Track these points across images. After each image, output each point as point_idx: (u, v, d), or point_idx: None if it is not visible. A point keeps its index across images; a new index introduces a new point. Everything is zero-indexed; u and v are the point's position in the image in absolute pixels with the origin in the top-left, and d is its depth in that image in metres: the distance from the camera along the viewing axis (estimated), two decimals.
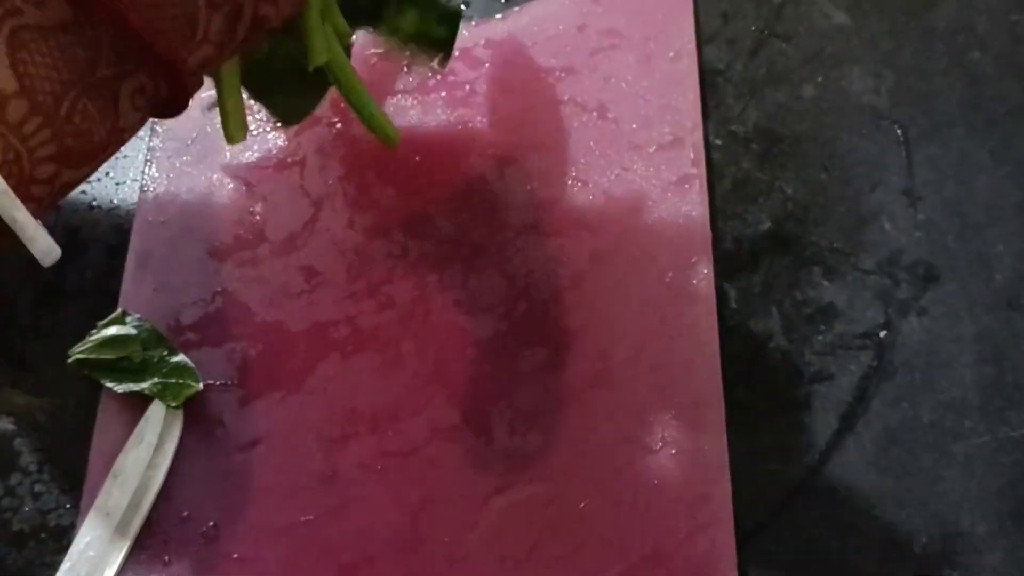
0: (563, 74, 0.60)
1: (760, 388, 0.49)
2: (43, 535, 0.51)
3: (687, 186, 0.54)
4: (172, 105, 0.40)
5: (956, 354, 0.48)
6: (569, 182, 0.56)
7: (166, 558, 0.49)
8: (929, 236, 0.51)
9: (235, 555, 0.49)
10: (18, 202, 0.35)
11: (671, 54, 0.59)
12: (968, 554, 0.44)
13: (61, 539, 0.51)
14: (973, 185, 0.52)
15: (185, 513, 0.50)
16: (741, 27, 0.60)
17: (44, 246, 0.36)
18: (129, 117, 0.39)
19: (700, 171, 0.54)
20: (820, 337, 0.50)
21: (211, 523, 0.50)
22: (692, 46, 0.59)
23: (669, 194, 0.54)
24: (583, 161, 0.56)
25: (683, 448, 0.47)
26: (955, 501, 0.45)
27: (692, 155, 0.55)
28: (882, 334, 0.49)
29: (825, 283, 0.51)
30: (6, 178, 0.34)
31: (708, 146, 0.56)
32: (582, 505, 0.47)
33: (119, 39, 0.37)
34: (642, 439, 0.48)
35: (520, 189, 0.56)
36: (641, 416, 0.48)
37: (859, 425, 0.47)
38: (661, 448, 0.47)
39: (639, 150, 0.56)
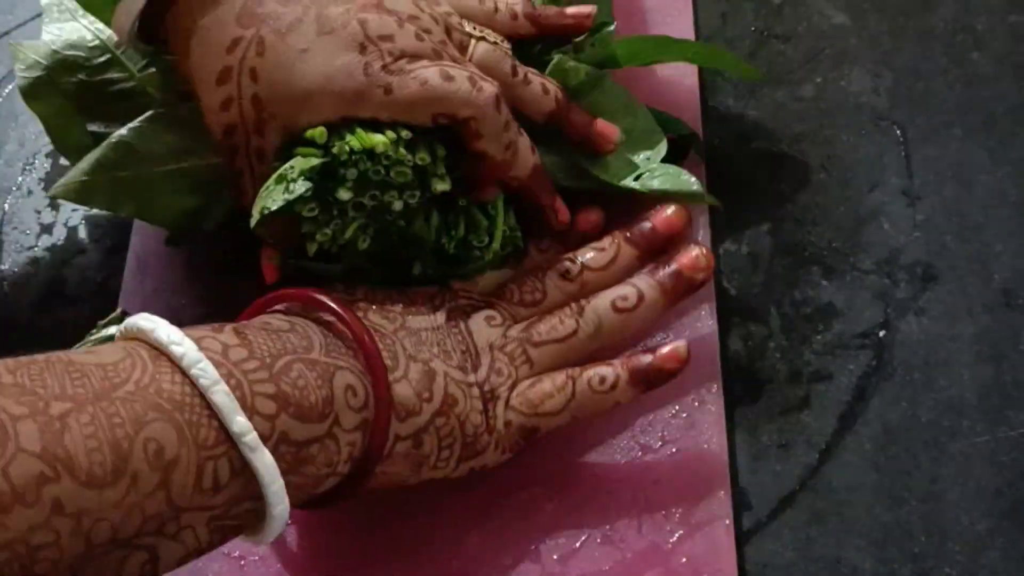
0: None
1: (760, 388, 0.49)
2: None
3: None
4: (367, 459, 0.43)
5: (955, 354, 0.48)
6: None
7: None
8: (928, 236, 0.51)
9: (236, 553, 0.49)
10: (261, 446, 0.37)
11: None
12: (967, 553, 0.44)
13: None
14: (972, 185, 0.52)
15: None
16: (741, 27, 0.60)
17: (277, 512, 0.39)
18: (344, 412, 0.41)
19: (699, 167, 0.55)
20: (819, 337, 0.50)
21: None
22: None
23: None
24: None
25: (683, 447, 0.47)
26: (954, 500, 0.45)
27: (690, 151, 0.55)
28: (881, 334, 0.49)
29: (824, 283, 0.51)
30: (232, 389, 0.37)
31: (707, 146, 0.56)
32: (582, 503, 0.47)
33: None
34: (642, 437, 0.48)
35: None
36: (641, 414, 0.48)
37: (858, 425, 0.47)
38: (661, 447, 0.47)
39: None
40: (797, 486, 0.46)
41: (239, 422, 0.36)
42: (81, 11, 0.53)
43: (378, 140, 0.45)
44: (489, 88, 0.46)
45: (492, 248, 0.48)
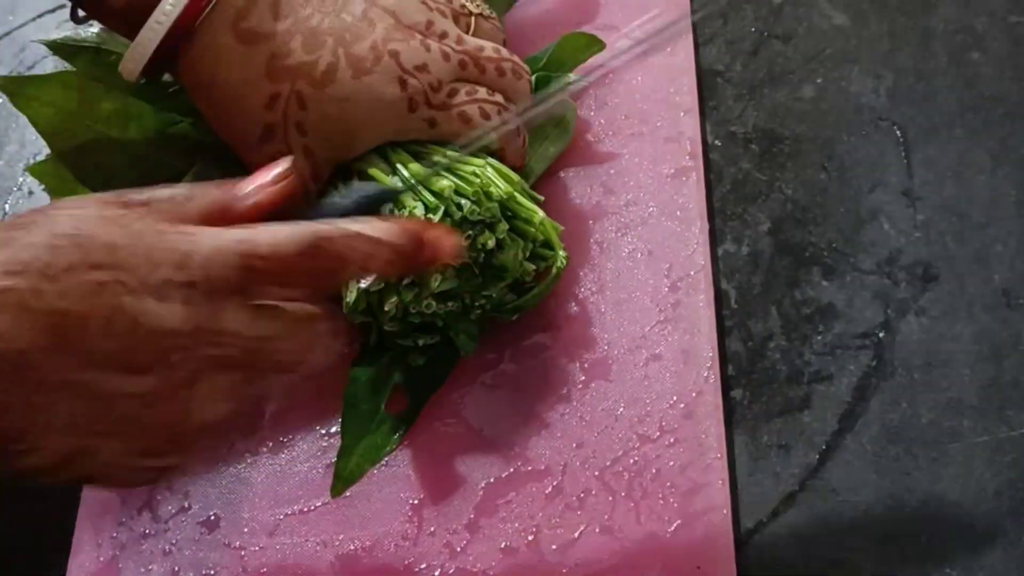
0: None
1: (760, 388, 0.49)
2: (43, 524, 0.51)
3: (684, 179, 0.54)
4: None
5: (955, 354, 0.48)
6: (566, 175, 0.56)
7: (166, 547, 0.49)
8: (928, 236, 0.51)
9: (236, 544, 0.49)
10: None
11: (668, 49, 0.59)
12: (967, 553, 0.44)
13: (62, 537, 0.51)
14: (972, 185, 0.52)
15: (186, 504, 0.50)
16: (741, 28, 0.60)
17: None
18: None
19: (697, 164, 0.55)
20: (819, 337, 0.50)
21: (211, 513, 0.50)
22: (689, 41, 0.59)
23: (667, 187, 0.54)
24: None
25: (681, 437, 0.47)
26: (954, 500, 0.45)
27: (689, 148, 0.55)
28: (881, 334, 0.49)
29: (824, 283, 0.51)
30: None
31: (707, 146, 0.56)
32: (580, 494, 0.47)
33: None
34: (640, 428, 0.48)
35: None
36: (639, 405, 0.48)
37: (859, 425, 0.47)
38: (659, 437, 0.48)
39: (636, 144, 0.56)
40: (797, 486, 0.46)
41: None
42: None
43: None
44: (514, 120, 0.50)
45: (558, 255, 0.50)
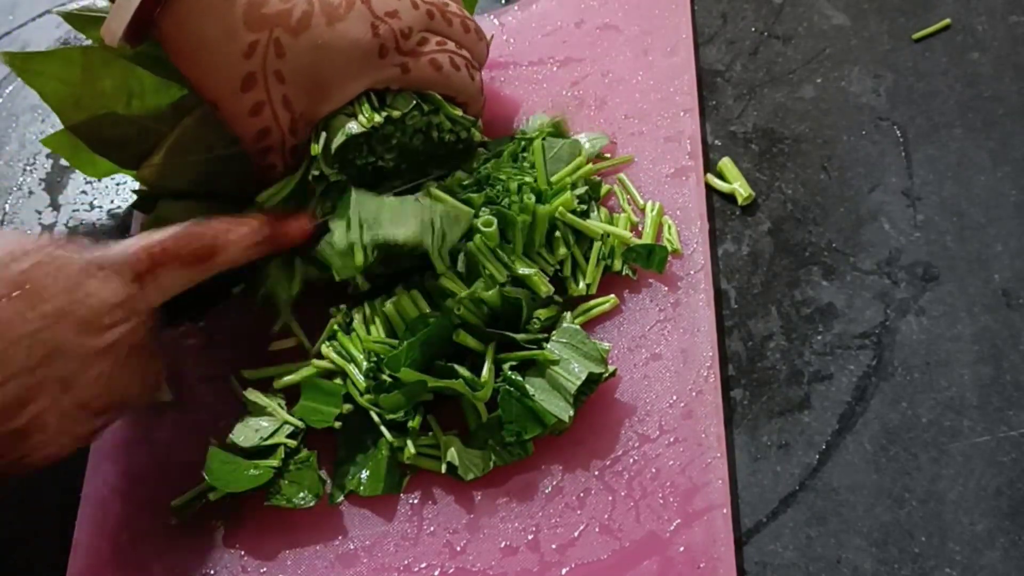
0: (561, 69, 0.60)
1: (760, 388, 0.49)
2: (43, 524, 0.51)
3: (684, 179, 0.54)
4: None
5: (955, 354, 0.48)
6: None
7: (166, 547, 0.49)
8: (928, 236, 0.51)
9: (236, 544, 0.49)
10: None
11: (668, 49, 0.59)
12: (967, 552, 0.44)
13: (62, 537, 0.51)
14: (972, 185, 0.52)
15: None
16: (741, 28, 0.60)
17: None
18: None
19: (697, 163, 0.55)
20: (820, 337, 0.50)
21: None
22: (689, 41, 0.59)
23: (667, 187, 0.54)
24: None
25: (681, 436, 0.47)
26: (954, 500, 0.45)
27: (689, 147, 0.55)
28: (881, 334, 0.49)
29: (824, 283, 0.51)
30: None
31: (707, 146, 0.56)
32: (580, 493, 0.47)
33: None
34: (640, 427, 0.48)
35: None
36: (639, 405, 0.48)
37: (858, 425, 0.47)
38: (659, 436, 0.48)
39: (636, 143, 0.56)
40: (797, 486, 0.46)
41: None
42: None
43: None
44: (479, 77, 0.53)
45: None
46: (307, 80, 0.48)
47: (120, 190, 0.63)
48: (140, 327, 0.44)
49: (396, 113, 0.50)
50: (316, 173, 0.50)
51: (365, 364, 0.49)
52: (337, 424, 0.49)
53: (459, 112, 0.53)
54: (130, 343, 0.44)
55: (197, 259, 0.46)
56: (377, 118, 0.49)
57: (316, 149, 0.49)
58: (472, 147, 0.55)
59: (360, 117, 0.49)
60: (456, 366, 0.48)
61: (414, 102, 0.51)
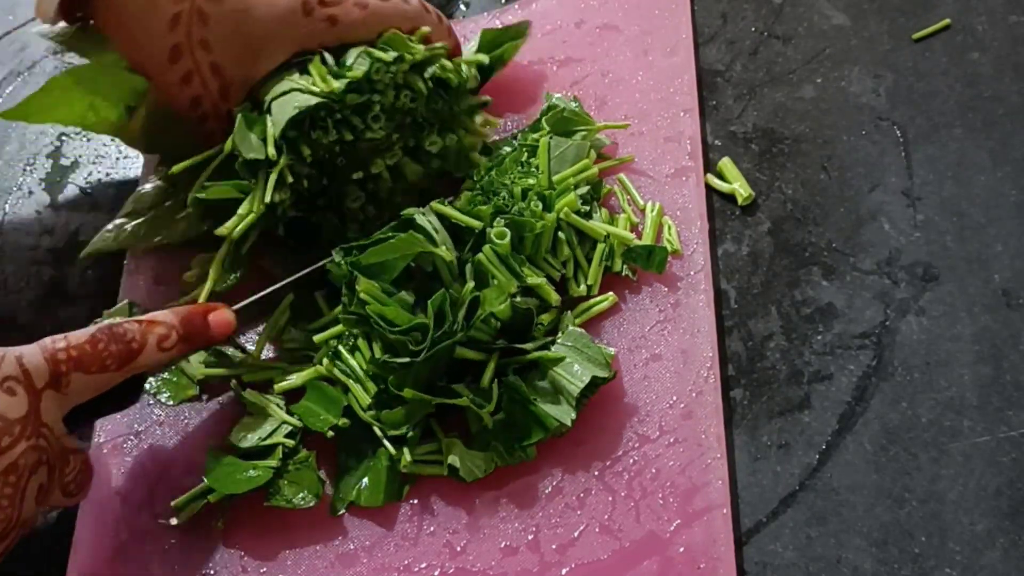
0: (561, 69, 0.60)
1: (760, 388, 0.49)
2: (43, 524, 0.51)
3: (684, 179, 0.54)
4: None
5: (955, 354, 0.48)
6: None
7: (166, 547, 0.49)
8: (928, 236, 0.51)
9: (236, 544, 0.49)
10: None
11: (668, 49, 0.59)
12: (967, 552, 0.44)
13: (62, 537, 0.51)
14: (972, 185, 0.52)
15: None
16: (741, 28, 0.60)
17: None
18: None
19: (697, 163, 0.55)
20: (820, 337, 0.50)
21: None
22: (689, 41, 0.59)
23: (667, 187, 0.54)
24: None
25: (680, 437, 0.47)
26: (954, 500, 0.45)
27: (689, 148, 0.55)
28: (881, 334, 0.49)
29: (824, 283, 0.51)
30: None
31: (707, 146, 0.56)
32: (580, 494, 0.47)
33: None
34: (640, 428, 0.48)
35: None
36: (639, 405, 0.48)
37: (858, 425, 0.47)
38: (659, 437, 0.48)
39: (636, 143, 0.56)
40: (797, 486, 0.46)
41: None
42: None
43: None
44: (417, 1, 0.53)
45: None
46: (234, 46, 0.48)
47: (120, 190, 0.63)
48: (47, 438, 0.42)
49: (357, 73, 0.49)
50: (258, 157, 0.48)
51: (372, 388, 0.49)
52: (330, 434, 0.49)
53: (421, 48, 0.52)
54: (35, 459, 0.41)
55: (116, 363, 0.44)
56: (336, 84, 0.48)
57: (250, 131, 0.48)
58: (463, 89, 0.54)
59: (313, 88, 0.48)
60: (456, 387, 0.47)
61: (370, 59, 0.50)
